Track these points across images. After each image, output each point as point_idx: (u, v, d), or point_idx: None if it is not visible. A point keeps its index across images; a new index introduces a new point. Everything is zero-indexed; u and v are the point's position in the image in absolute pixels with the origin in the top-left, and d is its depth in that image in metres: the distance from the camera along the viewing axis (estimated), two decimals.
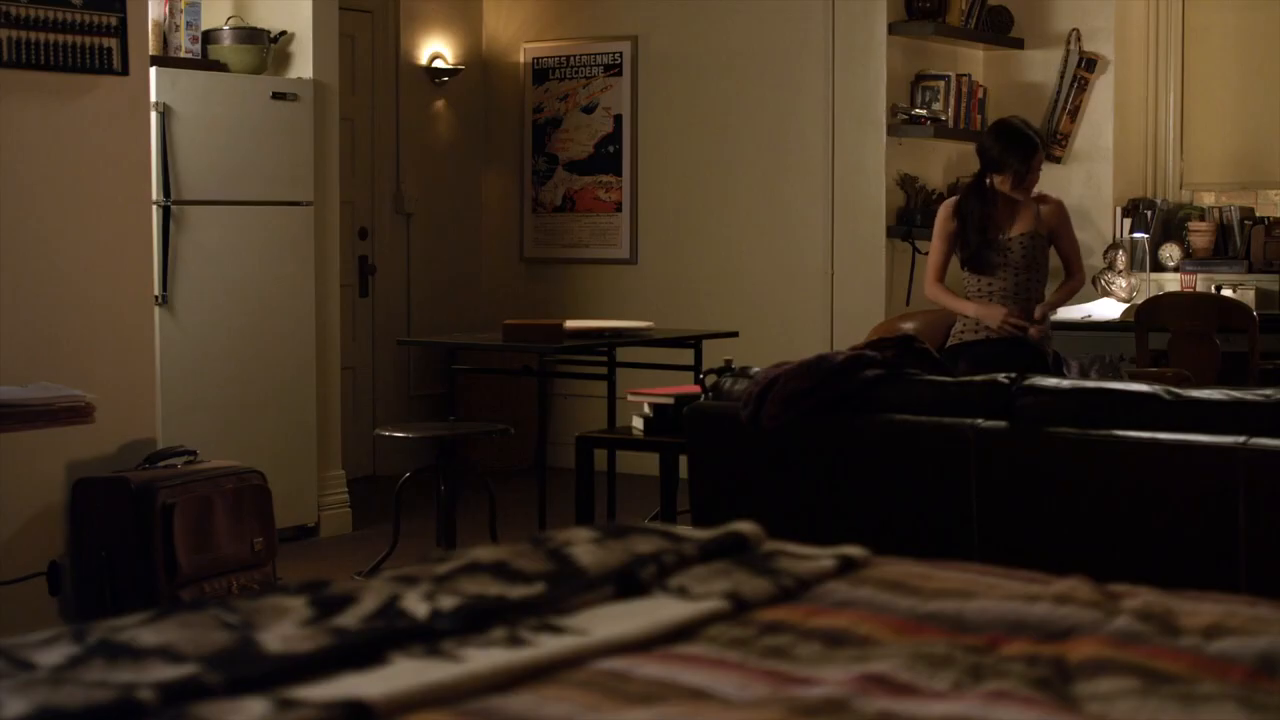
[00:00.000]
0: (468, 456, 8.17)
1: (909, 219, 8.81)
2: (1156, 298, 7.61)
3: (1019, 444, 4.38)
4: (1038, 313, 6.40)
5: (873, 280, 8.76)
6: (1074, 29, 9.04)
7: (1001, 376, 4.54)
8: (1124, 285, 8.60)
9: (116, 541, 5.71)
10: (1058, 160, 9.08)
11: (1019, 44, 9.20)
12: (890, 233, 8.76)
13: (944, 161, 9.17)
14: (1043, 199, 6.54)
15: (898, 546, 3.06)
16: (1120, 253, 8.72)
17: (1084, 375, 7.65)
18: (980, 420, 4.44)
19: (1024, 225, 6.40)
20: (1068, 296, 6.67)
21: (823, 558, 2.69)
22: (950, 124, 8.88)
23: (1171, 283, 8.74)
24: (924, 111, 8.77)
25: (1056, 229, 6.50)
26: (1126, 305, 8.24)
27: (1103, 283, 8.64)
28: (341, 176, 8.04)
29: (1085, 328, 8.08)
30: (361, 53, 9.34)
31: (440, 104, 9.74)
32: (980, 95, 9.16)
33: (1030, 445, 4.36)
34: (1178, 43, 9.23)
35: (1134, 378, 6.21)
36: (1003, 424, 4.41)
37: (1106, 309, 8.30)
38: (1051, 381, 4.49)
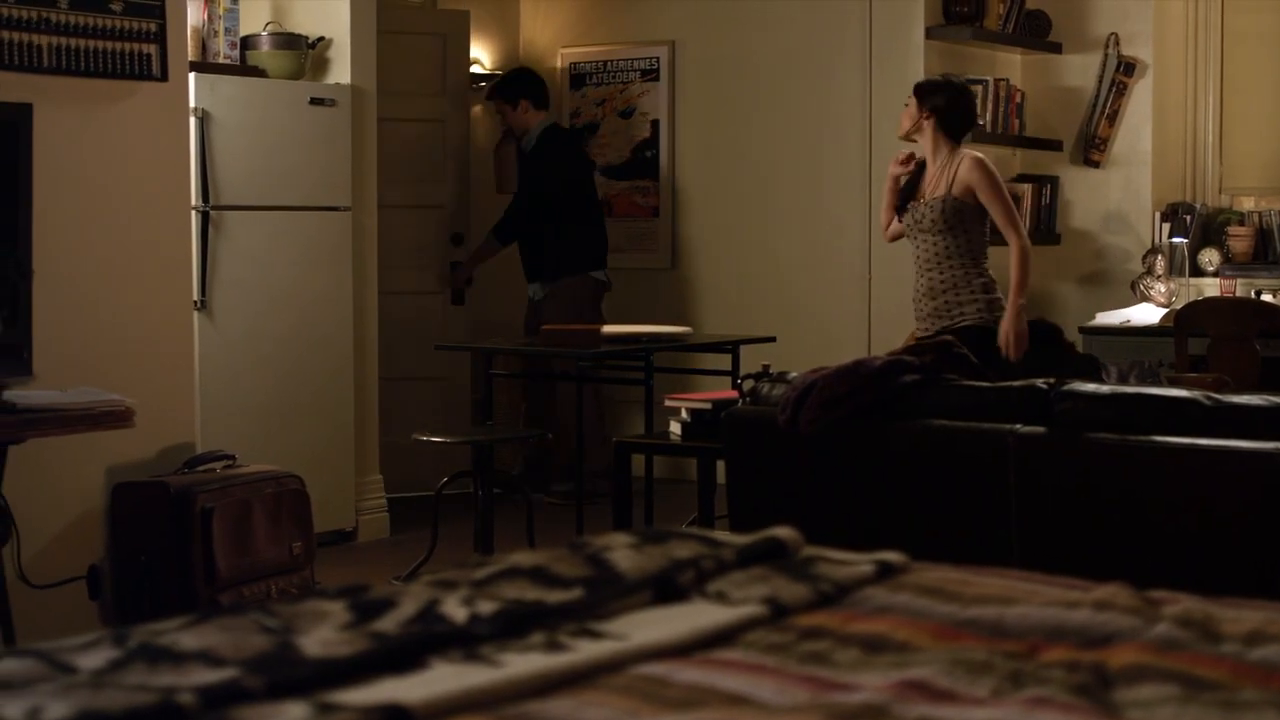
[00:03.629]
0: (504, 462, 8.19)
1: None
2: (1196, 303, 7.58)
3: (1058, 450, 4.36)
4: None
5: (911, 284, 8.73)
6: (1112, 33, 9.01)
7: (1040, 382, 4.53)
8: (1163, 290, 8.57)
9: (156, 546, 5.73)
10: (1096, 165, 9.06)
11: (1057, 48, 9.17)
12: None
13: None
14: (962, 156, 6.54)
15: (936, 552, 3.05)
16: (1159, 258, 8.69)
17: (1123, 380, 7.63)
18: (1019, 426, 4.43)
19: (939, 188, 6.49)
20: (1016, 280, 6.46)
21: (861, 563, 2.69)
22: (988, 128, 8.85)
23: (1211, 288, 8.70)
24: None
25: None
26: (1165, 310, 8.21)
27: (1141, 288, 8.60)
28: (380, 182, 8.05)
29: (1124, 333, 8.06)
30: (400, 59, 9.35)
31: (478, 109, 9.75)
32: (1018, 100, 9.12)
33: (1069, 451, 4.34)
34: (1217, 46, 9.19)
35: (1173, 383, 6.19)
36: (1041, 429, 4.40)
37: (1145, 314, 8.28)
38: (1091, 387, 4.47)
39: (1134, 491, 4.27)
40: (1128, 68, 8.98)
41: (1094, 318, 8.42)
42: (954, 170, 6.45)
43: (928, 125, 6.57)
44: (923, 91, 6.68)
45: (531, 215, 8.84)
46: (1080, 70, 9.14)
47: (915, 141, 6.69)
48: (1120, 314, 8.27)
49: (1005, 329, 6.34)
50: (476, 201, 9.36)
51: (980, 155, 6.50)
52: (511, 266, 9.18)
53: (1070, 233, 9.17)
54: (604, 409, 8.96)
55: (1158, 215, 8.94)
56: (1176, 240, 8.84)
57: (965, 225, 6.44)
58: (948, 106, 6.56)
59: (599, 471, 8.00)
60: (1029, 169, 9.27)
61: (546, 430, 8.00)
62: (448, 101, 9.21)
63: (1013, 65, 9.26)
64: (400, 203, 8.80)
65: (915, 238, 6.55)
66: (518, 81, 9.02)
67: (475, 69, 9.73)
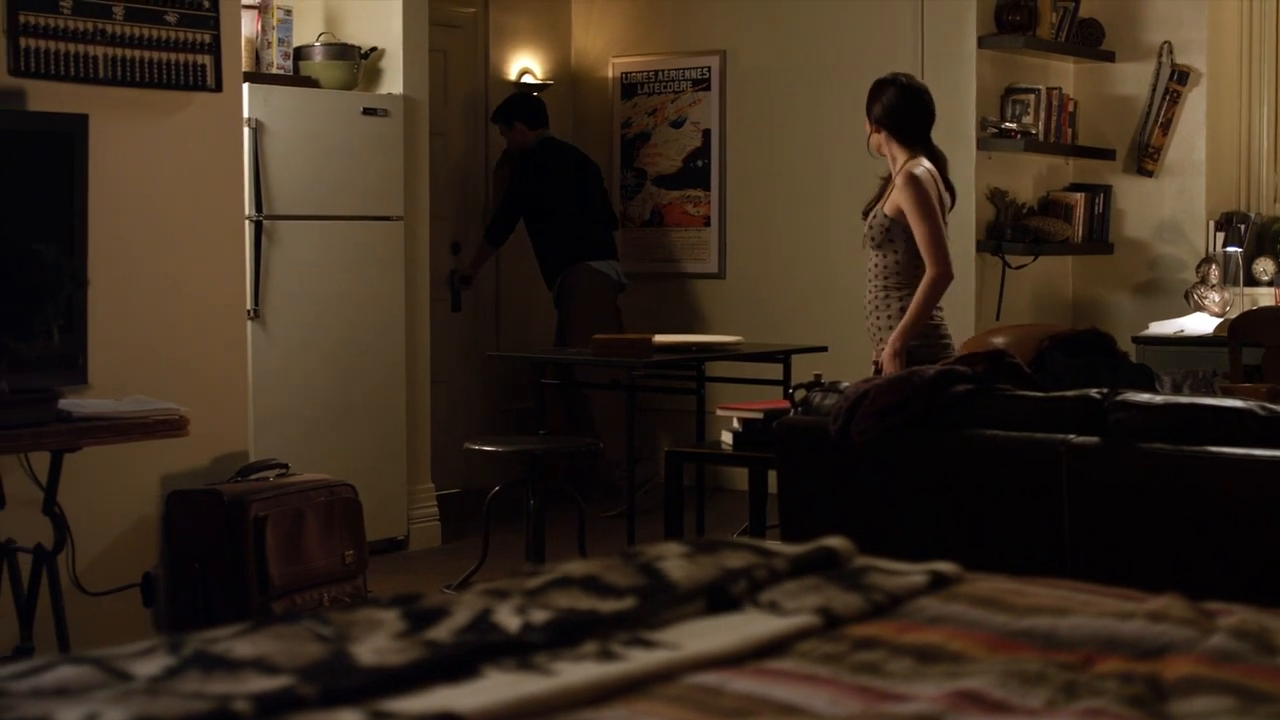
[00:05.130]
0: (555, 471, 8.20)
1: (999, 233, 8.77)
2: (1250, 312, 7.53)
3: (1111, 460, 4.34)
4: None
5: (962, 294, 8.70)
6: (1166, 41, 8.96)
7: (1094, 392, 4.51)
8: (1217, 300, 8.52)
9: (209, 553, 5.76)
10: (1150, 174, 9.02)
11: (1110, 56, 9.14)
12: (980, 247, 8.71)
13: (1034, 175, 9.12)
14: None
15: (988, 562, 3.04)
16: (1213, 267, 8.64)
17: (1177, 391, 7.58)
18: (1072, 436, 4.40)
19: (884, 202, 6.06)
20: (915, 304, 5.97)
21: (914, 573, 2.68)
22: (1040, 138, 8.82)
23: (1265, 297, 8.64)
24: (1014, 125, 8.73)
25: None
26: (1220, 320, 8.16)
27: (1195, 297, 8.56)
28: (432, 191, 8.08)
29: (1178, 343, 8.02)
30: (452, 68, 9.39)
31: None
32: (1071, 108, 9.10)
33: (1123, 461, 4.32)
34: (1271, 54, 9.13)
35: (1227, 393, 6.15)
36: (1095, 440, 4.38)
37: (1199, 324, 8.23)
38: (1144, 397, 4.45)
39: (1188, 502, 4.24)
40: (1181, 76, 8.94)
41: (1147, 327, 8.38)
42: (894, 185, 6.05)
43: (881, 138, 6.13)
44: (867, 103, 6.18)
45: (511, 214, 9.08)
46: (1133, 79, 9.11)
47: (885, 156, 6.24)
48: (1174, 324, 8.23)
49: (885, 349, 5.94)
50: (476, 213, 9.50)
51: (917, 171, 5.99)
52: (510, 276, 9.31)
53: (1123, 242, 9.13)
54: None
55: (1212, 224, 8.89)
56: (1231, 249, 8.80)
57: (894, 244, 6.00)
58: (886, 113, 6.10)
59: (638, 482, 8.02)
60: (1082, 178, 9.24)
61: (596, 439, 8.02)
62: (449, 114, 9.24)
63: (1065, 74, 9.23)
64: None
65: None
66: (510, 105, 9.23)
67: (527, 79, 9.75)
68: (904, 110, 6.11)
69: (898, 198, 5.98)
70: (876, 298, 6.08)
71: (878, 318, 6.07)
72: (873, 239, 6.06)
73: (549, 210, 8.99)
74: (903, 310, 5.97)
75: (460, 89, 9.48)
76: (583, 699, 1.99)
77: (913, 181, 5.95)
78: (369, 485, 6.73)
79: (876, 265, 6.09)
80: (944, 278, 5.95)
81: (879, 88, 6.17)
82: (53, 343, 4.88)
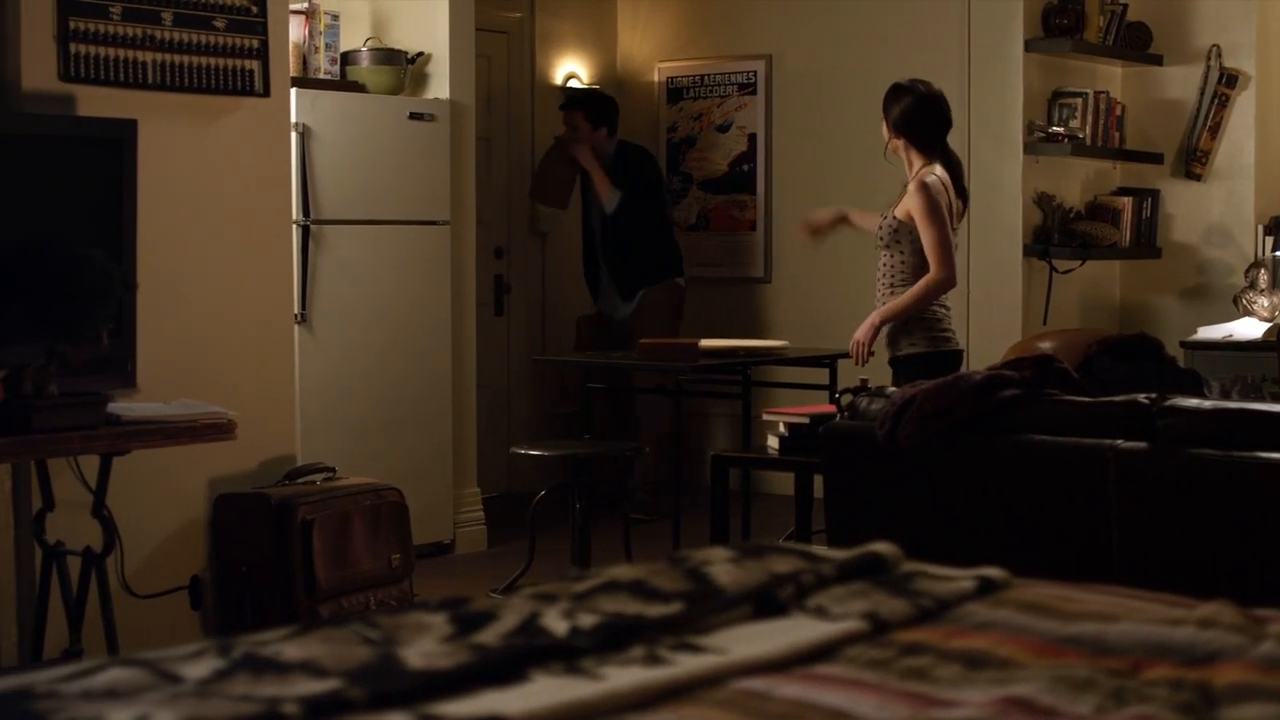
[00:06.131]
0: (602, 476, 8.19)
1: (1046, 237, 8.74)
2: None
3: (1160, 465, 4.32)
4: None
5: (1009, 299, 8.69)
6: (1214, 44, 8.92)
7: (1142, 397, 4.49)
8: (1266, 304, 8.47)
9: (257, 557, 5.78)
10: (1198, 178, 8.98)
11: (1158, 60, 9.10)
12: (1027, 251, 8.69)
13: (1081, 179, 9.09)
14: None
15: (1036, 568, 3.03)
16: (1262, 271, 8.59)
17: (1225, 396, 7.55)
18: (1120, 441, 4.39)
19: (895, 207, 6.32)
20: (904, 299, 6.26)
21: (962, 579, 2.67)
22: (1088, 142, 8.79)
23: None
24: (1061, 129, 8.70)
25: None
26: (1268, 325, 8.11)
27: (1244, 302, 8.51)
28: (478, 196, 8.10)
29: (1227, 347, 7.98)
30: (497, 73, 9.41)
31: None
32: (1118, 112, 9.06)
33: (1171, 467, 4.30)
34: None
35: (1276, 398, 6.12)
36: (1143, 445, 4.36)
37: (1248, 328, 8.18)
38: (1193, 402, 4.43)
39: (1237, 508, 4.22)
40: (1230, 79, 8.90)
41: (1196, 332, 8.34)
42: (907, 190, 6.27)
43: (900, 144, 6.35)
44: (884, 107, 6.40)
45: (627, 229, 8.85)
46: (1181, 82, 9.06)
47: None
48: (1222, 328, 8.18)
49: (855, 335, 6.33)
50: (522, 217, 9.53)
51: (929, 179, 6.19)
52: (554, 280, 9.30)
53: (1172, 246, 9.09)
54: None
55: (1260, 228, 8.84)
56: None
57: (901, 246, 6.25)
58: (903, 119, 6.30)
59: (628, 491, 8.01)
60: (1129, 182, 9.20)
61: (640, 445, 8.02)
62: (494, 119, 9.23)
63: (1113, 78, 9.19)
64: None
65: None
66: (607, 108, 9.07)
67: (573, 83, 9.77)
68: (920, 117, 6.31)
69: (908, 203, 6.21)
70: (884, 296, 6.34)
71: (888, 326, 6.33)
72: (882, 239, 6.32)
73: (649, 219, 8.93)
74: (908, 320, 6.26)
75: (505, 94, 9.49)
76: (629, 703, 1.99)
77: (923, 189, 6.17)
78: (415, 489, 6.75)
79: (885, 265, 6.34)
80: (946, 282, 6.21)
81: (896, 94, 6.37)
82: (102, 346, 4.91)
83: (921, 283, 6.19)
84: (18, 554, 5.42)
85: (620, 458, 8.15)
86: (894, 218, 6.26)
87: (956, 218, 6.35)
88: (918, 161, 6.29)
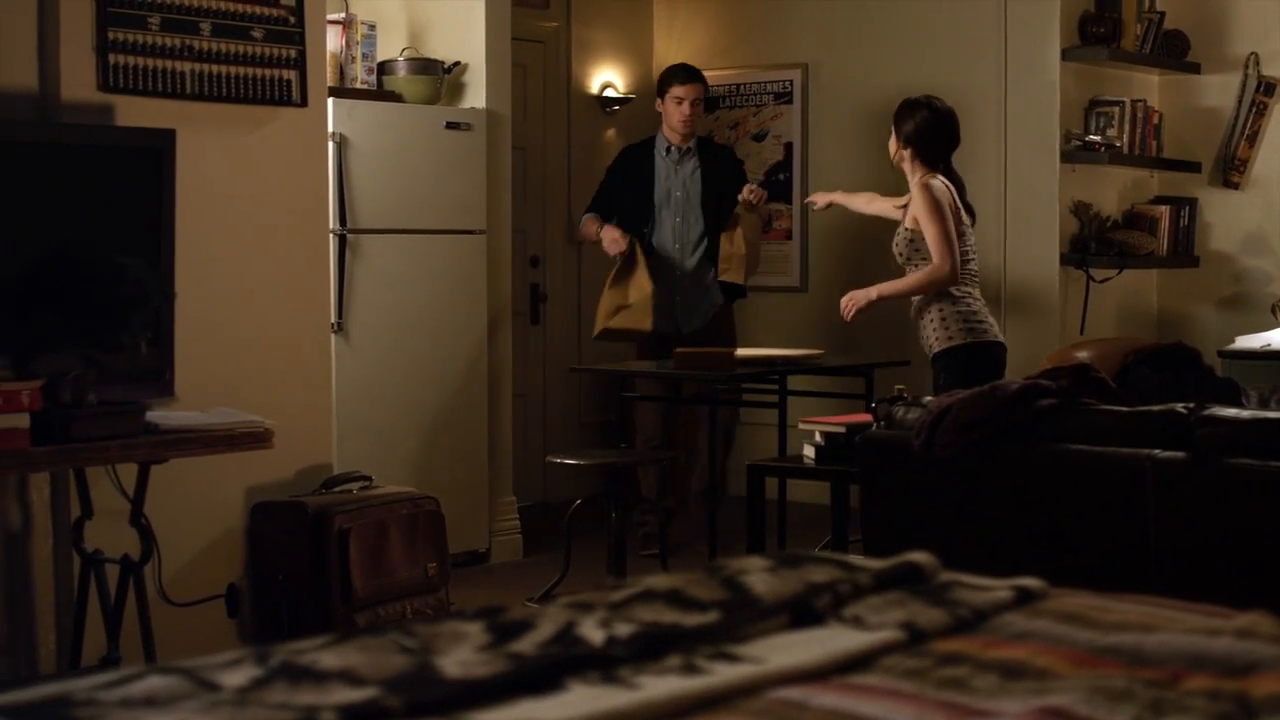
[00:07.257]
0: (637, 485, 8.19)
1: (1083, 246, 8.71)
2: None
3: (1197, 475, 4.31)
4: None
5: (1046, 308, 8.67)
6: (1252, 53, 8.89)
7: (1180, 406, 4.48)
8: None
9: (293, 565, 5.80)
10: (1236, 187, 8.94)
11: (1195, 68, 9.06)
12: (1064, 260, 8.66)
13: (1119, 188, 9.06)
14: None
15: (1073, 578, 3.02)
16: None
17: (1264, 405, 7.51)
18: (1158, 451, 4.38)
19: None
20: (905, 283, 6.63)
21: (999, 589, 2.67)
22: (1125, 150, 8.76)
23: None
24: (1098, 138, 8.67)
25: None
26: None
27: None
28: (514, 205, 8.11)
29: (1265, 357, 7.94)
30: (534, 82, 9.42)
31: (611, 132, 9.79)
32: (1156, 121, 9.03)
33: (1209, 477, 4.29)
34: None
35: None
36: (1181, 455, 4.34)
37: None
38: (1231, 412, 4.41)
39: (1275, 518, 4.20)
40: (1268, 88, 8.86)
41: (1233, 341, 8.29)
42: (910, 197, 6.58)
43: (905, 155, 6.67)
44: (897, 119, 6.72)
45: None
46: (1219, 90, 9.03)
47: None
48: (1260, 338, 8.14)
49: (853, 293, 6.67)
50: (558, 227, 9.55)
51: (930, 182, 6.53)
52: (591, 289, 9.29)
53: (1209, 255, 9.05)
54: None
55: None
56: None
57: (920, 254, 6.52)
58: (916, 133, 6.63)
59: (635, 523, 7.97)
60: (1167, 191, 9.17)
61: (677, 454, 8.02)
62: (530, 128, 9.23)
63: (1150, 86, 9.16)
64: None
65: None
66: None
67: (609, 93, 9.78)
68: (933, 133, 6.65)
69: (914, 208, 6.50)
70: (918, 306, 6.59)
71: (922, 326, 6.60)
72: (901, 254, 6.58)
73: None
74: (943, 316, 6.50)
75: (541, 103, 9.51)
76: (666, 713, 1.99)
77: (925, 189, 6.48)
78: (451, 498, 6.76)
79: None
80: (947, 277, 6.44)
81: (911, 108, 6.70)
82: (140, 355, 4.93)
83: (924, 271, 6.46)
84: (56, 562, 5.44)
85: (660, 467, 8.11)
86: (905, 229, 6.53)
87: (962, 229, 6.59)
88: (920, 173, 6.58)
